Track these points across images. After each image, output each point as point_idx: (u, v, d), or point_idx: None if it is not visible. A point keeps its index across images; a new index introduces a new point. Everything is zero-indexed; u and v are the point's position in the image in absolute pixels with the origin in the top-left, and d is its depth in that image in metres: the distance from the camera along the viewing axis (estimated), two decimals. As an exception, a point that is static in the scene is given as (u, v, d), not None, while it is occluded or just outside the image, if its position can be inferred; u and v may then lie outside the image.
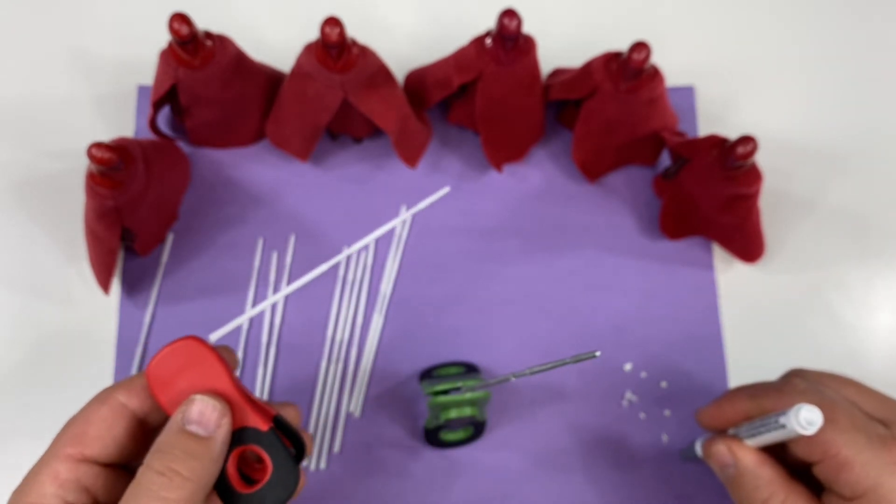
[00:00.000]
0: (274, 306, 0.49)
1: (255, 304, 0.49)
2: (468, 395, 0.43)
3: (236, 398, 0.31)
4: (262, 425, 0.32)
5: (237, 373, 0.35)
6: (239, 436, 0.31)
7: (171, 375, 0.31)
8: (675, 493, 0.47)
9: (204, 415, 0.30)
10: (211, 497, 0.31)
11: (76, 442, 0.31)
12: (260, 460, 0.33)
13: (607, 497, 0.47)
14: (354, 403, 0.48)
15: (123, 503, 0.28)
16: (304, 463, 0.37)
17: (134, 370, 0.48)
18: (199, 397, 0.30)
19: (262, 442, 0.32)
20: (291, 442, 0.34)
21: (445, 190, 0.35)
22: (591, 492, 0.47)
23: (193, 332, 0.33)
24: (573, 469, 0.48)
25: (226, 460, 0.31)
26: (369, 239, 0.35)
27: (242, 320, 0.33)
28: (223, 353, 0.34)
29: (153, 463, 0.29)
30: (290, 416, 0.36)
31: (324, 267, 0.35)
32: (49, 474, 0.30)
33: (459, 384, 0.43)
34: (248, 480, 0.32)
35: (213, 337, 0.32)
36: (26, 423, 0.47)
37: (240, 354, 0.48)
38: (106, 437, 0.31)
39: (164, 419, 0.32)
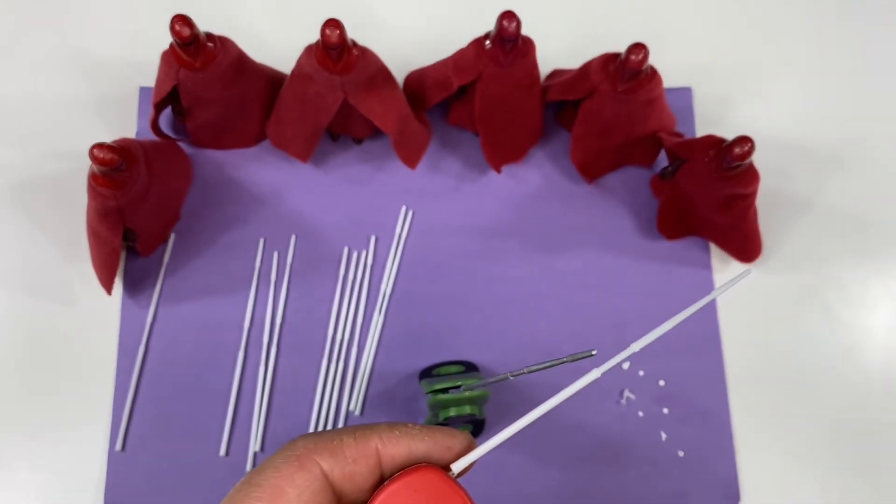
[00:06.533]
0: (275, 306, 0.50)
1: (255, 303, 0.50)
2: (467, 394, 0.43)
3: None
4: None
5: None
6: None
7: None
8: (674, 492, 0.48)
9: None
10: None
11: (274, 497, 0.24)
12: None
13: (606, 494, 0.48)
14: (355, 402, 0.48)
15: None
16: None
17: (136, 371, 0.48)
18: None
19: None
20: None
21: None
22: (590, 489, 0.48)
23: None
24: (572, 467, 0.48)
25: None
26: None
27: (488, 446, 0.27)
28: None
29: None
30: None
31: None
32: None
33: (459, 383, 0.44)
34: None
35: (457, 467, 0.26)
36: (26, 422, 0.47)
37: (240, 355, 0.49)
38: None
39: (357, 494, 0.25)
